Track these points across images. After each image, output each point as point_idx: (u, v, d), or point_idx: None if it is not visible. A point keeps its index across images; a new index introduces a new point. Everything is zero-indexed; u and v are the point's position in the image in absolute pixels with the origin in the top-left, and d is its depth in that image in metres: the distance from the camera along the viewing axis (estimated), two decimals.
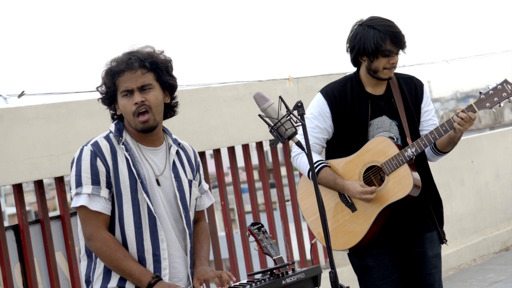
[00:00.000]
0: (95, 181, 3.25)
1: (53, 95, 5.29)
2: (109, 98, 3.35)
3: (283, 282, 3.16)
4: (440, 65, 7.55)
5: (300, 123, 3.23)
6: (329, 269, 3.22)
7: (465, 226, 8.01)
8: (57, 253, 5.25)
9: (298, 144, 3.26)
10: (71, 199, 3.30)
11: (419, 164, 4.15)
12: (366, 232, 4.07)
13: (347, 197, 4.11)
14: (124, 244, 3.28)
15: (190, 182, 3.43)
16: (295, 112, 3.24)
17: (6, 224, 5.11)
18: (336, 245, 4.15)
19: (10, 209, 34.38)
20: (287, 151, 6.66)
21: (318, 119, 4.11)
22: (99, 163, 3.26)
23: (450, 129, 3.96)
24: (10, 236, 5.05)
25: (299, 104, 3.23)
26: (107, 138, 3.34)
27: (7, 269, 4.96)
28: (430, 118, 4.15)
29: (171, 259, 3.33)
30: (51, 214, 5.33)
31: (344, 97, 4.09)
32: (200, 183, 3.53)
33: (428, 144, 3.98)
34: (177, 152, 3.43)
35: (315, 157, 4.12)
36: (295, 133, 3.27)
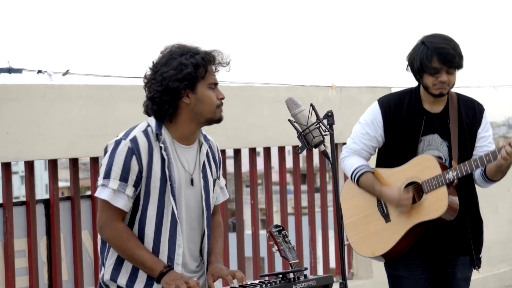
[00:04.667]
0: (124, 178, 3.24)
1: (97, 77, 5.39)
2: (191, 84, 3.26)
3: (293, 287, 3.19)
4: (487, 90, 7.49)
5: (328, 133, 3.25)
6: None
7: (494, 254, 7.93)
8: (84, 232, 5.34)
9: (324, 153, 3.28)
10: (97, 186, 3.33)
11: (466, 188, 4.17)
12: (394, 244, 4.13)
13: (384, 207, 4.17)
14: (141, 239, 3.30)
15: (214, 181, 3.46)
16: (325, 121, 3.26)
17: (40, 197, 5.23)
18: (364, 251, 4.26)
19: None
20: (322, 159, 6.67)
21: (370, 126, 4.16)
22: (133, 162, 3.24)
23: (493, 160, 3.96)
24: (40, 210, 5.16)
25: (330, 114, 3.25)
26: (145, 133, 3.29)
27: (33, 241, 5.07)
28: (485, 145, 4.14)
29: (185, 260, 3.36)
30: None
31: (399, 110, 4.12)
32: (219, 177, 3.53)
33: (470, 170, 4.00)
34: (206, 151, 3.45)
35: (360, 162, 4.18)
36: (322, 141, 3.29)
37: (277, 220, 6.21)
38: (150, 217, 3.29)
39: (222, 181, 3.56)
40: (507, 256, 8.10)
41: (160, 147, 3.28)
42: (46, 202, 5.20)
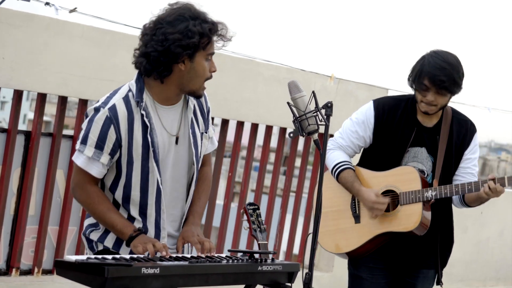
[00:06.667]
0: (99, 146, 3.22)
1: (102, 21, 5.34)
2: (192, 51, 3.18)
3: (259, 268, 3.19)
4: (481, 111, 7.51)
5: (324, 123, 3.24)
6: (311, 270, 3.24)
7: (454, 272, 8.00)
8: (59, 171, 5.32)
9: (316, 143, 3.28)
10: (75, 148, 3.31)
11: (443, 206, 4.19)
12: (358, 246, 4.16)
13: (357, 208, 4.18)
14: (127, 202, 3.31)
15: (201, 135, 3.42)
16: (323, 111, 3.26)
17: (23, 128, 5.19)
18: (327, 246, 4.27)
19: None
20: (308, 144, 6.67)
21: (360, 126, 4.16)
22: (111, 131, 3.20)
23: (475, 191, 4.00)
24: (19, 141, 5.13)
25: (329, 105, 3.24)
26: (126, 100, 3.23)
27: (7, 170, 5.04)
28: (469, 167, 4.17)
29: (169, 224, 3.38)
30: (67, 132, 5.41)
31: (393, 115, 4.12)
32: (207, 129, 3.48)
33: (449, 194, 4.03)
34: (194, 106, 3.39)
35: (344, 157, 4.18)
36: (317, 130, 3.29)
37: (250, 197, 6.23)
38: (135, 182, 3.29)
39: (211, 131, 3.50)
40: (466, 276, 8.17)
41: (142, 114, 3.24)
42: (27, 134, 5.17)
